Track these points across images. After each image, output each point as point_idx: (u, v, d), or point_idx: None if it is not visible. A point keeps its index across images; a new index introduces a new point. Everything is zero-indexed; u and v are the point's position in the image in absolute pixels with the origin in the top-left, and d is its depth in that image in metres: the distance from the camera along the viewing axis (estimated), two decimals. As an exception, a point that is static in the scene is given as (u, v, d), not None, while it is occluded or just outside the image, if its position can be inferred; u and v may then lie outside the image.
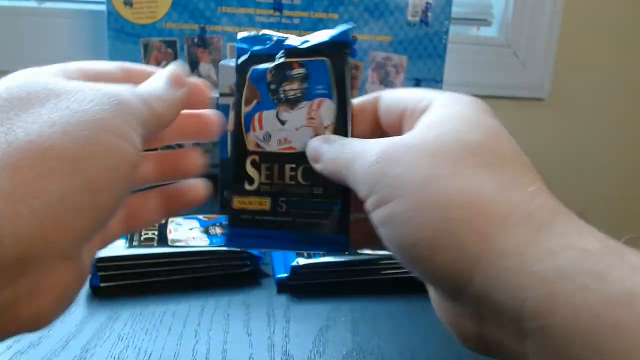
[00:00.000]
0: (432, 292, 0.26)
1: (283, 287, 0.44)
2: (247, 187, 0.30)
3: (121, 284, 0.42)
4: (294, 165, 0.30)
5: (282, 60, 0.31)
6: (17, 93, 0.21)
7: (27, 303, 0.21)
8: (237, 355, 0.35)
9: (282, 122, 0.30)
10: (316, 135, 0.30)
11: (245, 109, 0.31)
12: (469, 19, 0.99)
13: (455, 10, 0.93)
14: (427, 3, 0.80)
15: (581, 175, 1.08)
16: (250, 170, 0.31)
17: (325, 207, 0.30)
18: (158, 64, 0.81)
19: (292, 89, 0.31)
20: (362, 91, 0.83)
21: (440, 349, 0.36)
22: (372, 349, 0.36)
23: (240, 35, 0.31)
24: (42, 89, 0.22)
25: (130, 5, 0.78)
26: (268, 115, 0.31)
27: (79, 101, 0.21)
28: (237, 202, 0.30)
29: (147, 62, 0.81)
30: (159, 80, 0.27)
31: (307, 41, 0.31)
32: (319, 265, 0.44)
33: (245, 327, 0.38)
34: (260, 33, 0.32)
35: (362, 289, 0.44)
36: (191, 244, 0.44)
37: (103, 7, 0.79)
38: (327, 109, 0.30)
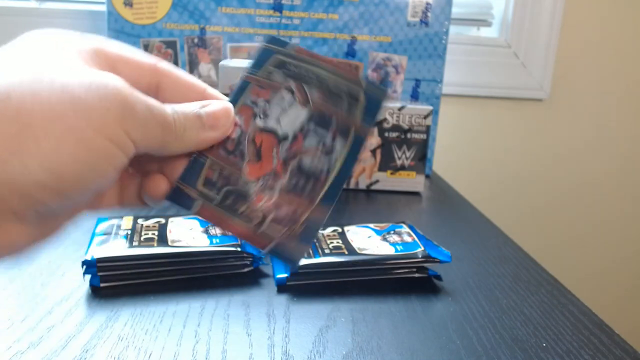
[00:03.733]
0: None
1: (283, 287, 0.44)
2: None
3: (121, 284, 0.42)
4: None
5: None
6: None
7: None
8: (237, 355, 0.35)
9: None
10: None
11: None
12: (469, 20, 0.99)
13: (455, 10, 0.93)
14: (427, 3, 0.80)
15: (580, 175, 1.08)
16: None
17: None
18: (158, 64, 0.81)
19: None
20: (362, 91, 0.83)
21: (440, 349, 0.36)
22: (372, 349, 0.36)
23: None
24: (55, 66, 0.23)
25: (130, 5, 0.78)
26: None
27: (86, 90, 0.22)
28: None
29: (147, 62, 0.81)
30: (194, 109, 0.27)
31: None
32: (319, 265, 0.44)
33: (245, 327, 0.38)
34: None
35: (362, 289, 0.44)
36: (191, 244, 0.44)
37: (103, 7, 0.79)
38: None
